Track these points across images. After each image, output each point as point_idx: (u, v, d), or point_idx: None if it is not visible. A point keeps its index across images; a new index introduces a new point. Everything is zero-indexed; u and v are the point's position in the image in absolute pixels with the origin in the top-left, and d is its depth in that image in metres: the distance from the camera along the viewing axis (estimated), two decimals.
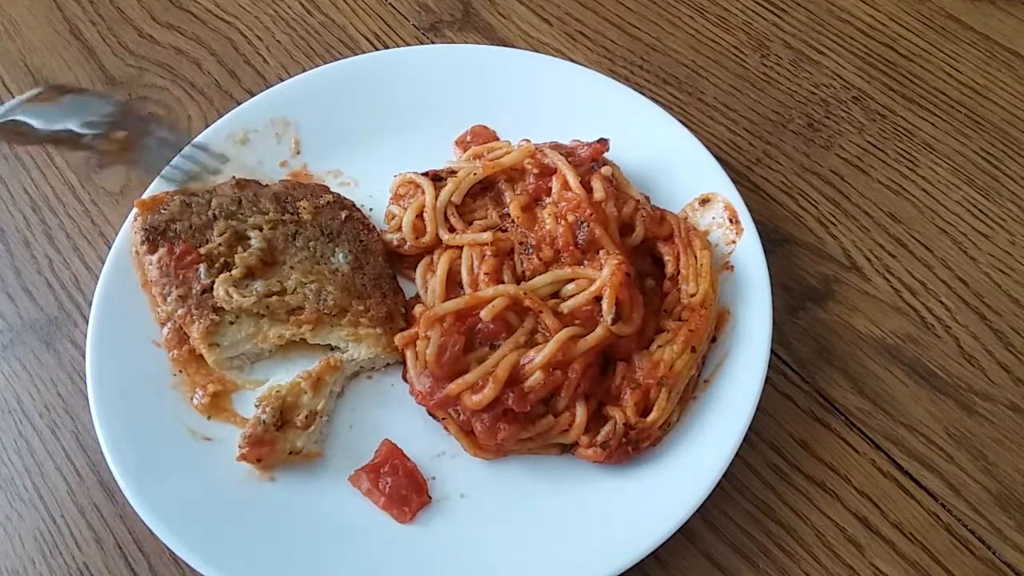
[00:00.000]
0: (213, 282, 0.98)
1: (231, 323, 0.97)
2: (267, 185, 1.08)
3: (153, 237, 1.00)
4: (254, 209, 1.04)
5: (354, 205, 1.08)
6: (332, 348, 0.98)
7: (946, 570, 0.90)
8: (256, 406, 0.93)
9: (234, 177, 1.08)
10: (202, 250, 1.00)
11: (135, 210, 1.03)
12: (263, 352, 0.99)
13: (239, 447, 0.90)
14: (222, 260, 1.00)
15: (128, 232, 1.03)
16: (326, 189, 1.08)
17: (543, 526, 0.89)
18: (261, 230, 1.02)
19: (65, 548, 0.94)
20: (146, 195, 1.05)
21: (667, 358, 0.91)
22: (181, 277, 0.98)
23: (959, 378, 1.00)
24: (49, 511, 0.96)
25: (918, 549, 0.91)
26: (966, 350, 1.02)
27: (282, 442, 0.91)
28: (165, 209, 1.02)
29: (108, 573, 0.93)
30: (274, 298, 0.97)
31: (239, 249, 1.00)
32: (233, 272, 0.98)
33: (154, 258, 0.99)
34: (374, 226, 1.06)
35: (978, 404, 0.98)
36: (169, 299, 0.97)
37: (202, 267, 0.99)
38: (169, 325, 0.98)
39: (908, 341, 1.03)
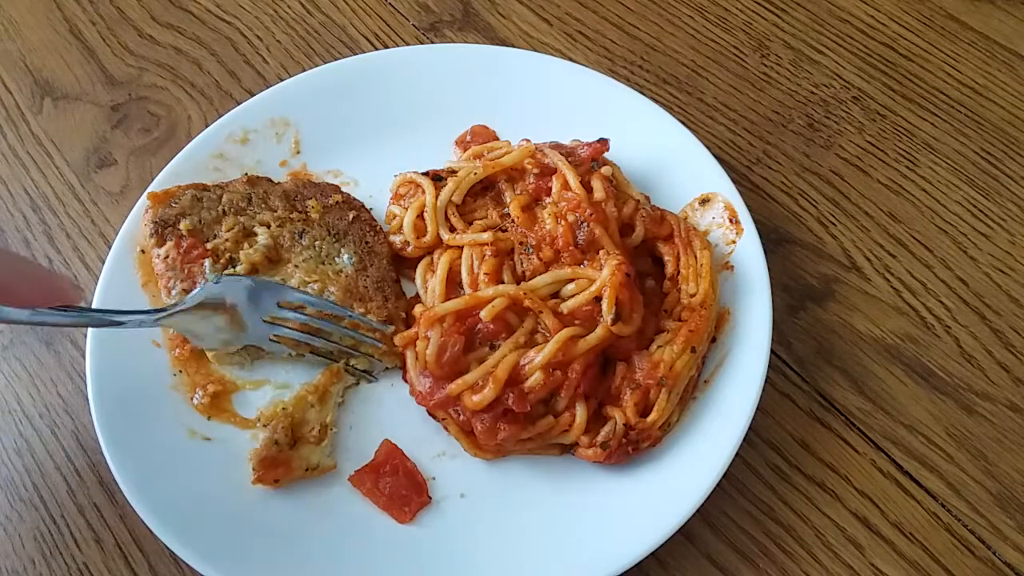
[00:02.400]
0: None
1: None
2: (278, 183, 1.08)
3: (162, 230, 1.00)
4: (263, 206, 1.04)
5: (363, 206, 1.07)
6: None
7: (946, 570, 0.90)
8: (264, 426, 0.91)
9: (246, 174, 1.08)
10: (208, 245, 1.00)
11: (140, 204, 1.04)
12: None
13: (253, 470, 0.89)
14: (228, 256, 1.00)
15: (128, 232, 1.03)
16: (336, 189, 1.08)
17: (543, 526, 0.89)
18: (269, 227, 1.02)
19: (65, 548, 0.94)
20: (153, 187, 1.05)
21: (667, 358, 0.91)
22: (187, 271, 0.98)
23: (959, 378, 1.00)
24: (49, 511, 0.96)
25: (918, 549, 0.91)
26: (966, 350, 1.02)
27: (297, 460, 0.90)
28: (176, 203, 1.03)
29: (108, 573, 0.93)
30: None
31: (245, 245, 1.01)
32: (237, 268, 0.98)
33: (161, 251, 1.00)
34: (381, 228, 1.06)
35: (978, 404, 0.98)
36: (173, 292, 0.97)
37: (207, 262, 0.99)
38: None
39: (908, 341, 1.03)
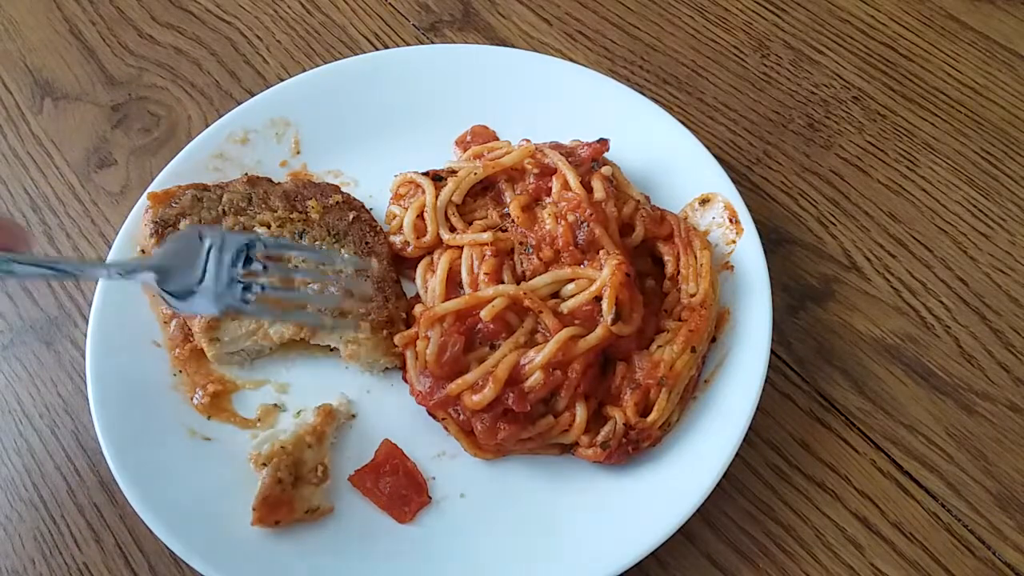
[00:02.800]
0: None
1: (232, 319, 0.97)
2: (278, 183, 1.08)
3: (162, 230, 1.00)
4: (263, 206, 1.04)
5: (363, 206, 1.07)
6: (332, 349, 0.98)
7: (946, 570, 0.90)
8: (264, 465, 0.89)
9: (246, 174, 1.08)
10: None
11: (140, 204, 1.04)
12: (263, 349, 0.99)
13: (253, 510, 0.87)
14: None
15: (128, 232, 1.03)
16: (336, 189, 1.08)
17: (543, 526, 0.89)
18: (269, 227, 1.02)
19: (65, 548, 0.94)
20: (153, 187, 1.05)
21: (667, 358, 0.91)
22: None
23: (959, 378, 1.00)
24: (49, 511, 0.96)
25: (918, 549, 0.91)
26: (966, 350, 1.02)
27: (299, 500, 0.88)
28: (176, 203, 1.03)
29: (108, 573, 0.93)
30: None
31: None
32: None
33: None
34: (381, 228, 1.06)
35: (978, 404, 0.98)
36: None
37: None
38: (175, 322, 0.98)
39: (908, 341, 1.03)
